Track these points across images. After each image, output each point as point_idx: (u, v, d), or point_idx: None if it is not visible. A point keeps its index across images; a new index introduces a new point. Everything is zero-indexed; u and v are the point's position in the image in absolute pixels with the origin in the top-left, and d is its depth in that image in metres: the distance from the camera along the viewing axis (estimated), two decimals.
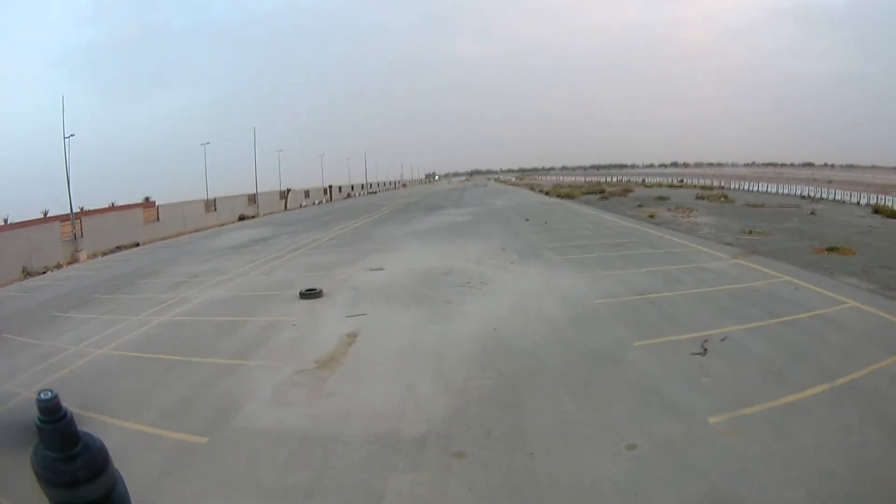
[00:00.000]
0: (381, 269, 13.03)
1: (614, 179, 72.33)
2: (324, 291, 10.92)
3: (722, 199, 30.41)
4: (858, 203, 26.82)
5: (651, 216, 21.91)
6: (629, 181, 65.60)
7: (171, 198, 39.75)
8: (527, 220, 22.57)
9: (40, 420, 0.89)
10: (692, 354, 6.33)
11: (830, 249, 12.45)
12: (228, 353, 7.81)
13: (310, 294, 10.79)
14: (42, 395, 0.89)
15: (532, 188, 60.44)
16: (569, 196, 38.74)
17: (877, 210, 22.05)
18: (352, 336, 8.10)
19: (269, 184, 59.55)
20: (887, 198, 24.10)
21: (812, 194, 31.89)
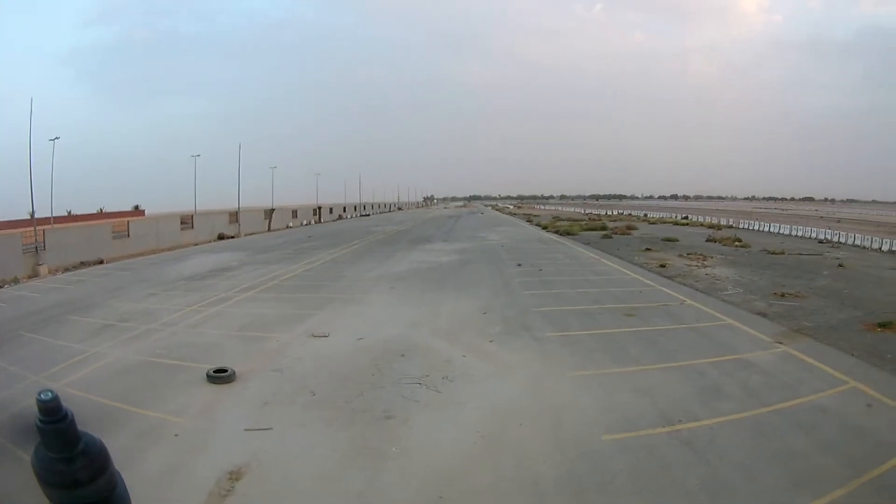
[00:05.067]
0: (326, 335, 10.22)
1: (615, 213, 70.32)
2: (236, 374, 8.15)
3: (735, 242, 28.16)
4: (880, 249, 26.30)
5: (662, 265, 19.29)
6: (631, 215, 63.59)
7: (162, 207, 37.65)
8: (519, 265, 19.77)
9: (41, 420, 0.83)
10: None
11: (883, 325, 10.95)
12: None
13: (218, 377, 8.08)
14: (42, 396, 0.83)
15: (529, 220, 57.92)
16: (568, 233, 36.13)
17: None
18: (234, 478, 5.36)
19: (264, 200, 57.48)
20: None
21: (829, 238, 31.41)
